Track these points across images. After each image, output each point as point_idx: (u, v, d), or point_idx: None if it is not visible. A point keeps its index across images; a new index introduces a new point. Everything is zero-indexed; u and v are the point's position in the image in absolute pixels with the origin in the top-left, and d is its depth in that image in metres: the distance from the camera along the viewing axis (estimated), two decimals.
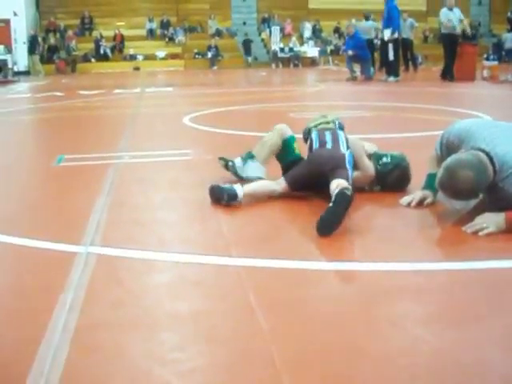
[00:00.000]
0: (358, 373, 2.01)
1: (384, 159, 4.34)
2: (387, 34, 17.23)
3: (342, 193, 3.42)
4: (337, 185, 3.58)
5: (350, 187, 3.53)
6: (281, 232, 3.53)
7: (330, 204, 3.40)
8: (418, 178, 4.26)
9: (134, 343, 2.24)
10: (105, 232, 3.58)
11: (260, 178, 4.27)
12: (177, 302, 2.63)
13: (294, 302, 2.60)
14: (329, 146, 4.06)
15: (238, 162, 4.53)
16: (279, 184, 4.11)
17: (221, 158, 4.65)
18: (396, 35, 17.05)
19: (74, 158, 5.93)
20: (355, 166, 4.13)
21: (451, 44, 16.47)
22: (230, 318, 2.45)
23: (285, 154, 4.39)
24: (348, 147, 4.10)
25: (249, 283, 2.77)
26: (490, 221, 3.43)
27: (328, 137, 4.13)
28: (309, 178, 4.07)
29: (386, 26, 17.16)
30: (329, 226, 3.32)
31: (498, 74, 17.38)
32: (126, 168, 5.52)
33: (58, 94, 15.22)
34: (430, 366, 2.02)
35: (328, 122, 4.35)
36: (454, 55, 16.47)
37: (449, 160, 3.60)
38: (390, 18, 17.05)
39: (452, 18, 16.06)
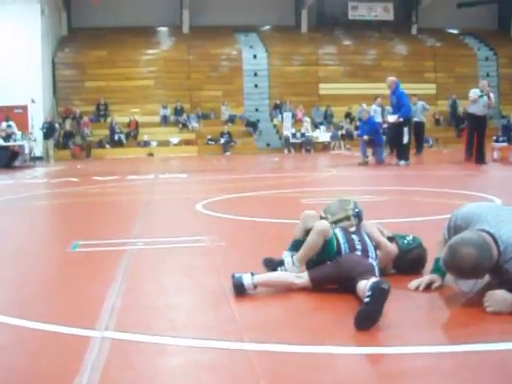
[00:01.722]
0: None
1: (407, 238, 4.47)
2: (393, 118, 17.52)
3: (378, 285, 3.37)
4: (366, 282, 3.53)
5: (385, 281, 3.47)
6: (292, 317, 3.57)
7: (367, 298, 3.33)
8: (429, 262, 4.34)
9: None
10: (119, 317, 3.64)
11: None
12: None
13: None
14: (358, 252, 4.05)
15: (287, 262, 4.28)
16: (301, 278, 3.98)
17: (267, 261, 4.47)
18: (406, 140, 17.27)
19: (88, 244, 6.01)
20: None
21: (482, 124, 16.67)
22: None
23: (323, 253, 4.16)
24: (376, 256, 4.13)
25: (260, 368, 2.81)
26: (496, 301, 3.49)
27: (357, 243, 4.11)
28: (335, 280, 4.00)
29: (395, 112, 17.44)
30: (369, 318, 3.27)
31: (509, 156, 17.53)
32: (139, 254, 5.60)
33: (73, 179, 15.44)
34: None
35: (348, 217, 4.35)
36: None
37: (452, 239, 3.69)
38: (400, 105, 17.31)
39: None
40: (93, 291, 4.31)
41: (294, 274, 4.04)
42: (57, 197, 11.64)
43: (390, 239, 4.42)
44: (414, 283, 4.05)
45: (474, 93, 16.41)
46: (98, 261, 5.38)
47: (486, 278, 3.94)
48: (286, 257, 4.29)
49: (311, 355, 3.03)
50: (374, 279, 3.49)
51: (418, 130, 22.27)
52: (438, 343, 3.10)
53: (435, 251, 4.15)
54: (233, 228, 7.12)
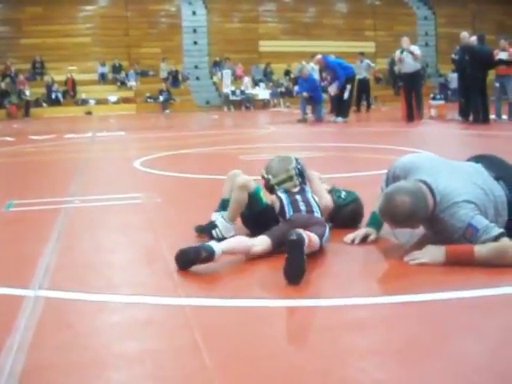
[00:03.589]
0: None
1: (343, 193, 4.50)
2: (333, 90, 17.68)
3: (288, 239, 3.33)
4: None
5: (298, 232, 3.40)
6: (228, 272, 3.58)
7: (286, 256, 3.30)
8: (367, 216, 4.38)
9: (82, 383, 2.27)
10: (53, 276, 3.60)
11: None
12: (125, 342, 2.66)
13: (240, 339, 2.65)
14: (304, 213, 4.05)
15: (222, 223, 4.23)
16: (262, 242, 3.81)
17: (199, 227, 4.35)
18: (346, 95, 17.38)
19: (23, 203, 5.91)
20: None
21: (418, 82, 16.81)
22: (176, 356, 2.49)
23: (253, 206, 4.20)
24: (320, 211, 4.13)
25: (196, 322, 2.81)
26: (428, 252, 3.56)
27: (301, 204, 4.10)
28: None
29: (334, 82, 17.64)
30: (292, 273, 3.26)
31: (445, 113, 17.77)
32: (75, 213, 5.53)
33: (9, 139, 15.14)
34: None
35: (291, 178, 4.29)
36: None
37: (388, 188, 3.75)
38: (336, 76, 17.50)
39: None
40: (27, 250, 4.25)
41: (252, 239, 3.84)
42: None
43: (329, 192, 4.46)
44: (349, 236, 4.09)
45: (397, 53, 16.60)
46: (33, 220, 5.30)
47: (422, 229, 4.01)
48: (216, 218, 4.27)
49: (246, 309, 3.05)
50: (291, 231, 3.44)
51: (363, 86, 22.43)
52: (371, 295, 3.14)
53: (373, 205, 4.18)
54: (170, 185, 7.09)
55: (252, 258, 3.71)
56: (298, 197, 4.16)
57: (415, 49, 16.38)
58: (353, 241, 4.06)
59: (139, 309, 3.09)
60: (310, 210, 4.06)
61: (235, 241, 3.78)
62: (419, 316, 2.89)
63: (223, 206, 4.37)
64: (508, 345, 2.51)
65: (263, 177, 4.40)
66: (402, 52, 16.21)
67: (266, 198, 4.32)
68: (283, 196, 4.17)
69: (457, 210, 3.57)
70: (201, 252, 3.50)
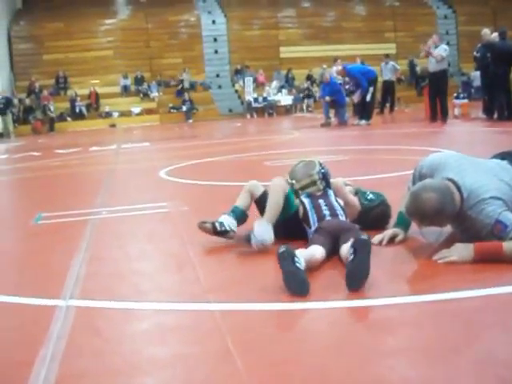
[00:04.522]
0: None
1: (370, 195, 4.50)
2: (356, 97, 17.65)
3: (358, 239, 3.32)
4: (347, 245, 3.50)
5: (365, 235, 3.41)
6: (256, 276, 3.59)
7: (351, 256, 3.28)
8: (394, 217, 4.38)
9: None
10: (83, 285, 3.63)
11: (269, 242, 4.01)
12: (155, 348, 2.68)
13: (271, 343, 2.66)
14: (328, 218, 4.01)
15: (225, 218, 4.29)
16: (320, 251, 3.72)
17: (202, 223, 4.31)
18: (368, 98, 17.31)
19: (52, 215, 5.97)
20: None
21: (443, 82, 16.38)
22: (207, 360, 2.51)
23: (285, 210, 4.18)
24: (345, 214, 4.11)
25: (226, 327, 2.82)
26: (456, 250, 3.54)
27: (324, 208, 4.08)
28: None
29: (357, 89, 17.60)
30: (358, 274, 3.21)
31: (469, 112, 17.67)
32: (103, 223, 5.57)
33: (35, 153, 15.27)
34: None
35: (314, 182, 4.28)
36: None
37: (415, 186, 3.76)
38: (358, 83, 17.45)
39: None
40: (57, 261, 4.29)
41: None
42: (18, 171, 11.52)
43: (353, 194, 4.46)
44: (377, 237, 4.07)
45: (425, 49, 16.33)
46: (62, 231, 5.35)
47: (449, 228, 3.99)
48: (228, 219, 4.26)
49: (275, 312, 3.06)
50: (353, 238, 3.45)
51: (388, 88, 22.37)
52: (400, 294, 3.13)
53: (399, 205, 4.17)
54: (196, 193, 7.13)
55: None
56: (321, 201, 4.14)
57: (439, 50, 16.03)
58: (381, 242, 4.04)
59: (168, 315, 3.11)
60: (333, 214, 4.04)
61: (311, 250, 3.68)
62: (448, 314, 2.88)
63: (234, 212, 4.35)
64: None
65: (288, 182, 4.38)
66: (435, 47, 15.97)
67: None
68: (306, 201, 4.16)
69: (484, 207, 3.56)
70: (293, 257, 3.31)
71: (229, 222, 4.25)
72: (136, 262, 4.17)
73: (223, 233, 4.23)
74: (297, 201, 4.26)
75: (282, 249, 3.30)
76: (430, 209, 3.55)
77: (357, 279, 3.20)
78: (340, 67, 18.49)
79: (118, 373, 2.43)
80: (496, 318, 2.79)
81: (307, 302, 3.15)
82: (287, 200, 4.18)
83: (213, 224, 4.24)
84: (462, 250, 3.54)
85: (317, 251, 3.69)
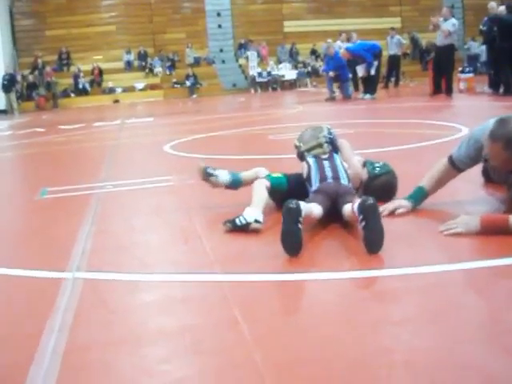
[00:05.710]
0: (338, 375, 2.07)
1: (377, 165, 4.51)
2: (361, 71, 17.56)
3: (365, 204, 3.33)
4: (351, 205, 3.54)
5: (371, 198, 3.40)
6: (263, 247, 3.58)
7: (362, 222, 3.32)
8: (400, 190, 4.42)
9: (122, 359, 2.30)
10: (90, 258, 3.64)
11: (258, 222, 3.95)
12: (162, 318, 2.68)
13: (278, 313, 2.68)
14: (330, 180, 4.04)
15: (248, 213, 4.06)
16: (318, 209, 3.79)
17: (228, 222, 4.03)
18: (373, 72, 17.24)
19: (57, 190, 5.97)
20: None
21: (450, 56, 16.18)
22: (215, 331, 2.51)
23: (278, 193, 4.23)
24: (348, 179, 4.13)
25: (233, 297, 2.83)
26: (462, 222, 3.53)
27: (327, 169, 4.11)
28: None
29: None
30: (376, 239, 3.28)
31: (474, 86, 17.58)
32: (108, 197, 5.57)
33: (39, 129, 15.25)
34: (407, 364, 2.09)
35: (321, 145, 4.34)
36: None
37: (500, 116, 3.68)
38: (363, 59, 17.37)
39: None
40: (63, 235, 4.29)
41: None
42: (23, 147, 11.50)
43: (364, 165, 4.47)
44: (382, 207, 4.01)
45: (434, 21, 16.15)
46: (67, 205, 5.35)
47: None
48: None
49: (282, 282, 3.07)
50: (358, 200, 3.46)
51: (394, 63, 22.26)
52: (406, 265, 3.12)
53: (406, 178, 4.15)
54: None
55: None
56: (326, 162, 4.18)
57: (447, 24, 15.87)
58: (382, 211, 3.96)
59: (176, 286, 3.12)
60: (336, 177, 4.06)
61: (310, 206, 3.72)
62: (455, 285, 2.88)
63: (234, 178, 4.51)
64: None
65: (295, 145, 4.49)
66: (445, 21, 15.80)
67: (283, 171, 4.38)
68: (311, 161, 4.21)
69: None
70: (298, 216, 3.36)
71: (253, 214, 4.00)
72: (142, 235, 4.17)
73: (245, 226, 3.96)
74: (302, 163, 4.31)
75: (292, 204, 3.35)
76: None
77: (376, 243, 3.28)
78: (343, 50, 18.37)
79: (125, 343, 2.44)
80: (504, 288, 2.78)
81: (315, 272, 3.16)
82: (274, 188, 4.20)
83: (234, 222, 3.98)
84: (468, 222, 3.53)
85: (315, 207, 3.76)
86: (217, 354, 2.29)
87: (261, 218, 3.93)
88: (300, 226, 3.34)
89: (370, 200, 3.35)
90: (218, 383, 2.08)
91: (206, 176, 4.50)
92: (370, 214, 3.30)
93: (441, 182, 4.13)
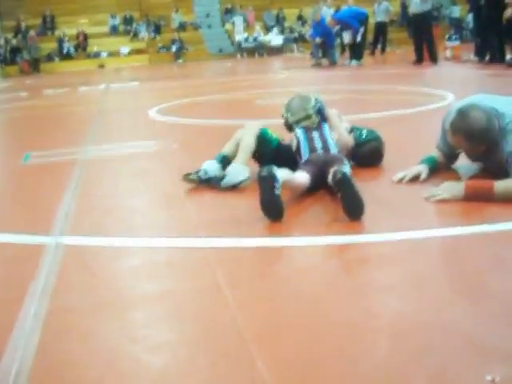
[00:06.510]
0: (321, 339, 2.07)
1: (364, 131, 4.49)
2: (347, 38, 17.48)
3: (335, 177, 3.32)
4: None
5: (341, 170, 3.37)
6: (248, 212, 3.56)
7: (338, 194, 3.32)
8: (387, 155, 4.45)
9: (105, 324, 2.29)
10: (73, 222, 3.62)
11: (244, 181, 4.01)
12: (145, 283, 2.67)
13: (261, 278, 2.67)
14: (320, 151, 4.02)
15: (209, 165, 4.19)
16: (304, 177, 3.81)
17: (186, 175, 4.16)
18: (359, 38, 17.14)
19: (40, 155, 5.92)
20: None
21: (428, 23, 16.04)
22: (198, 296, 2.50)
23: (265, 147, 4.24)
24: (337, 146, 4.11)
25: (216, 262, 2.82)
26: (446, 188, 3.53)
27: (317, 141, 4.08)
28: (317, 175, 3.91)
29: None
30: (353, 208, 3.27)
31: (461, 54, 17.53)
32: (92, 161, 5.53)
33: (23, 94, 15.13)
34: (392, 328, 2.09)
35: (309, 116, 4.30)
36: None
37: (461, 105, 3.72)
38: (348, 26, 17.28)
39: None
40: (46, 199, 4.27)
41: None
42: (5, 112, 11.39)
43: (349, 131, 4.45)
44: (398, 175, 4.00)
45: None
46: (51, 170, 5.31)
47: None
48: (212, 165, 4.17)
49: (266, 248, 3.06)
50: (330, 172, 3.45)
51: (381, 30, 22.10)
52: (391, 231, 3.12)
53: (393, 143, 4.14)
54: (186, 131, 7.07)
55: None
56: (315, 133, 4.14)
57: None
58: (401, 179, 3.97)
59: (159, 251, 3.11)
60: (325, 147, 4.04)
61: (293, 174, 3.76)
62: (439, 251, 2.90)
63: (220, 159, 4.26)
64: None
65: (283, 115, 4.43)
66: None
67: (280, 136, 4.38)
68: (300, 132, 4.17)
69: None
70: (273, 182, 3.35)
71: (213, 168, 4.16)
72: (126, 199, 4.15)
73: (208, 180, 4.11)
74: (290, 134, 4.29)
75: (264, 172, 3.34)
76: (478, 126, 3.54)
77: (354, 212, 3.27)
78: (329, 17, 18.26)
79: (108, 307, 2.43)
80: (487, 253, 2.79)
81: (299, 237, 3.15)
82: (263, 138, 4.22)
83: (197, 174, 4.12)
84: (452, 188, 3.53)
85: (299, 176, 3.77)
86: (200, 319, 2.28)
87: (247, 173, 4.02)
88: (277, 191, 3.32)
89: (339, 173, 3.32)
90: (200, 348, 2.08)
91: (206, 182, 4.15)
92: (342, 186, 3.30)
93: (441, 164, 4.15)
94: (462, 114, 3.62)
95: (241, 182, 4.00)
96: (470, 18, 28.97)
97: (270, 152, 4.22)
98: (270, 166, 3.39)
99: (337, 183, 3.32)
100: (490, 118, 3.56)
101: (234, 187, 3.99)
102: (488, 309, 2.20)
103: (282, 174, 3.47)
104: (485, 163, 3.97)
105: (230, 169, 4.07)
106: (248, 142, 4.17)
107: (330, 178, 3.43)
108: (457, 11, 31.79)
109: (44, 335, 2.21)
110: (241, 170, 4.05)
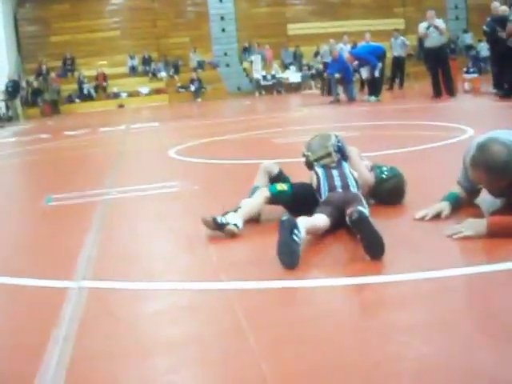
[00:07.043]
0: (346, 383, 2.05)
1: (385, 169, 4.49)
2: (365, 73, 17.56)
3: (352, 219, 3.35)
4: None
5: (358, 209, 3.43)
6: (268, 254, 3.54)
7: (357, 235, 3.34)
8: (409, 193, 4.44)
9: (128, 370, 2.28)
10: (96, 267, 3.62)
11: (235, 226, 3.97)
12: (168, 328, 2.67)
13: (284, 321, 2.65)
14: (339, 189, 4.04)
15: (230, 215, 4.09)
16: (324, 220, 3.79)
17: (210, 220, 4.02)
18: (377, 74, 17.20)
19: (62, 197, 5.96)
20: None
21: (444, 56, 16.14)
22: (221, 340, 2.49)
23: (281, 200, 4.23)
24: (358, 186, 4.12)
25: (239, 306, 2.81)
26: (469, 226, 3.50)
27: (336, 179, 4.11)
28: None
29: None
30: (374, 249, 3.27)
31: (479, 86, 17.53)
32: (113, 204, 5.56)
33: (44, 136, 15.25)
34: (417, 371, 2.07)
35: (329, 154, 4.33)
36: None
37: (480, 139, 3.71)
38: (366, 62, 17.36)
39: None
40: (68, 243, 4.28)
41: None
42: (28, 154, 11.50)
43: (370, 169, 4.46)
44: (420, 213, 3.99)
45: (420, 28, 16.11)
46: (73, 212, 5.34)
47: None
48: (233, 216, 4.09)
49: (288, 290, 3.04)
50: (349, 211, 3.46)
51: (398, 64, 22.19)
52: (413, 271, 3.09)
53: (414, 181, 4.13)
54: (206, 172, 7.10)
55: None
56: (335, 171, 4.16)
57: (440, 23, 15.90)
58: (423, 217, 3.96)
59: (181, 295, 3.10)
60: (345, 185, 4.05)
61: (314, 218, 3.76)
62: (463, 290, 2.87)
63: (253, 191, 4.38)
64: None
65: (303, 154, 4.46)
66: (428, 28, 15.79)
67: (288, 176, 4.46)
68: (320, 171, 4.19)
69: None
70: (293, 228, 3.36)
71: (234, 218, 4.03)
72: (148, 243, 4.16)
73: (222, 225, 3.98)
74: (310, 173, 4.30)
75: (284, 217, 3.38)
76: (498, 159, 3.52)
77: (375, 252, 3.26)
78: (347, 54, 18.36)
79: (131, 354, 2.42)
80: None
81: (321, 278, 3.14)
82: (276, 194, 4.20)
83: (215, 221, 4.00)
84: (475, 225, 3.51)
85: (320, 219, 3.76)
86: (223, 364, 2.27)
87: (240, 224, 3.97)
88: (295, 237, 3.32)
89: (355, 214, 3.34)
90: None
91: (218, 227, 4.00)
92: (360, 226, 3.31)
93: (464, 200, 4.14)
94: (482, 148, 3.61)
95: (234, 226, 3.94)
96: (481, 46, 29.34)
97: (288, 200, 4.21)
98: (289, 215, 3.44)
99: (354, 223, 3.34)
100: (510, 151, 3.54)
101: (221, 227, 3.94)
102: None
103: (303, 221, 3.49)
104: (507, 198, 3.95)
105: (230, 215, 4.03)
106: (252, 204, 4.17)
107: (347, 219, 3.46)
108: (469, 38, 32.26)
109: (67, 383, 2.20)
110: (237, 217, 4.01)
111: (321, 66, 31.03)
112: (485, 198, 4.11)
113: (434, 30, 15.59)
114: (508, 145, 3.58)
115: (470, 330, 2.39)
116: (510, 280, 2.90)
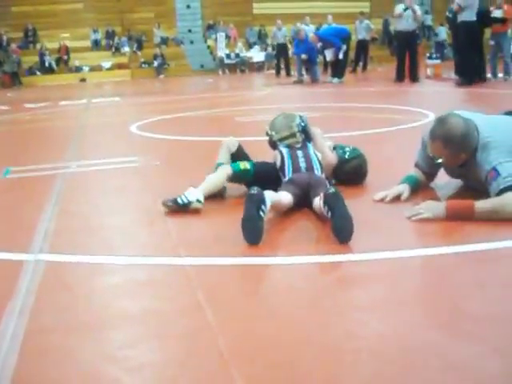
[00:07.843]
0: (302, 360, 2.05)
1: (347, 149, 4.50)
2: (329, 55, 17.54)
3: (328, 195, 3.33)
4: (318, 199, 3.52)
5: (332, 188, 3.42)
6: (228, 231, 3.54)
7: (329, 213, 3.31)
8: (370, 174, 4.48)
9: (84, 344, 2.26)
10: (53, 240, 3.58)
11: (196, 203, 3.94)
12: (125, 302, 2.65)
13: (242, 297, 2.66)
14: (303, 170, 4.04)
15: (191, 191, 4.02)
16: (287, 197, 3.81)
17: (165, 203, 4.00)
18: (341, 56, 17.19)
19: (20, 170, 5.88)
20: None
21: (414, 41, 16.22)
22: (179, 315, 2.48)
23: (244, 179, 4.24)
24: (321, 168, 4.12)
25: (197, 281, 2.80)
26: (428, 208, 3.53)
27: (301, 160, 4.10)
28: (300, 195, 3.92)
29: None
30: (346, 231, 3.22)
31: (441, 72, 17.66)
32: (73, 177, 5.50)
33: (3, 107, 15.03)
34: (373, 350, 2.08)
35: (294, 134, 4.32)
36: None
37: (440, 115, 3.76)
38: (331, 43, 17.32)
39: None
40: (25, 215, 4.23)
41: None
42: None
43: (332, 149, 4.46)
44: (379, 194, 4.01)
45: (397, 8, 16.14)
46: (31, 185, 5.27)
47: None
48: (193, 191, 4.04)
49: (247, 266, 3.05)
50: (322, 193, 3.45)
51: (362, 47, 22.25)
52: (373, 251, 3.11)
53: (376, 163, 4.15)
54: (167, 148, 7.05)
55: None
56: (299, 152, 4.16)
57: (418, 8, 15.90)
58: (383, 199, 3.98)
59: (140, 270, 3.08)
60: (309, 167, 4.05)
61: (279, 194, 3.76)
62: (420, 271, 2.89)
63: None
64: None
65: (267, 133, 4.45)
66: (405, 10, 15.77)
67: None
68: (284, 151, 4.18)
69: (491, 153, 3.55)
70: (260, 204, 3.35)
71: (190, 191, 3.99)
72: (106, 217, 4.12)
73: (187, 205, 3.94)
74: (274, 152, 4.30)
75: (253, 191, 3.36)
76: (456, 131, 3.58)
77: (345, 231, 3.23)
78: (312, 34, 18.31)
79: (88, 327, 2.40)
80: (470, 274, 2.79)
81: (280, 256, 3.14)
82: (238, 173, 4.20)
83: (175, 200, 3.96)
84: (434, 208, 3.54)
85: (284, 196, 3.77)
86: (180, 340, 2.26)
87: (202, 198, 3.95)
88: (262, 213, 3.32)
89: (332, 189, 3.36)
90: (181, 369, 2.06)
91: (181, 208, 3.94)
92: (334, 203, 3.30)
93: (422, 183, 4.18)
94: (441, 120, 3.67)
95: (197, 201, 3.92)
96: (440, 29, 29.76)
97: (250, 179, 4.19)
98: (260, 189, 3.40)
99: (329, 199, 3.32)
100: (469, 125, 3.61)
101: (185, 207, 3.91)
102: (465, 331, 2.19)
103: (269, 195, 3.47)
104: (463, 180, 4.00)
105: (188, 190, 3.98)
106: (214, 180, 4.16)
107: (321, 195, 3.43)
108: (429, 20, 33.25)
109: (21, 356, 2.18)
110: (197, 192, 3.98)
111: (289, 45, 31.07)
112: (441, 183, 4.14)
113: (411, 13, 15.57)
114: (466, 119, 3.64)
115: (427, 309, 2.41)
116: (465, 261, 2.94)
